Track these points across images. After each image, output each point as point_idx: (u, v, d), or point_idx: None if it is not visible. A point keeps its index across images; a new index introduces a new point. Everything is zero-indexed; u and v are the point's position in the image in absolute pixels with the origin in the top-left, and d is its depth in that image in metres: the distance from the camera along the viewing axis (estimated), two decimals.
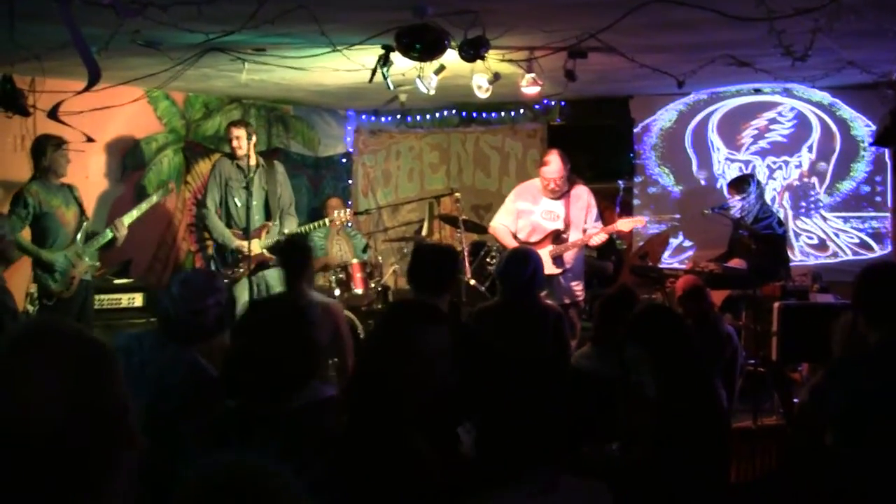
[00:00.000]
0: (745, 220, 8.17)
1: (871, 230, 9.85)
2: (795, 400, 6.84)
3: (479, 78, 7.08)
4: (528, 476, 3.23)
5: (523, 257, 5.61)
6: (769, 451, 6.59)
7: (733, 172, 9.85)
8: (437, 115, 11.34)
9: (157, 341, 3.84)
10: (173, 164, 9.34)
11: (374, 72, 6.39)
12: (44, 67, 6.58)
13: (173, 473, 1.85)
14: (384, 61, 6.25)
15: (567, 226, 7.60)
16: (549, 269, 7.31)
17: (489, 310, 5.72)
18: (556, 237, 7.57)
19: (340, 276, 8.67)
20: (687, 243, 10.34)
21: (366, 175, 11.71)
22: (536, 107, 10.78)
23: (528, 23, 5.86)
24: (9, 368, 1.65)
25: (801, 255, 9.94)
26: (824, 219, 9.99)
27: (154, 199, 7.74)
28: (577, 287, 7.68)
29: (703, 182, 10.34)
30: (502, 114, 11.04)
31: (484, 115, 11.15)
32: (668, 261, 10.02)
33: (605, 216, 8.03)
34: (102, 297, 7.55)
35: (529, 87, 7.21)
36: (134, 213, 7.44)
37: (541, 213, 7.66)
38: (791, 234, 9.78)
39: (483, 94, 7.25)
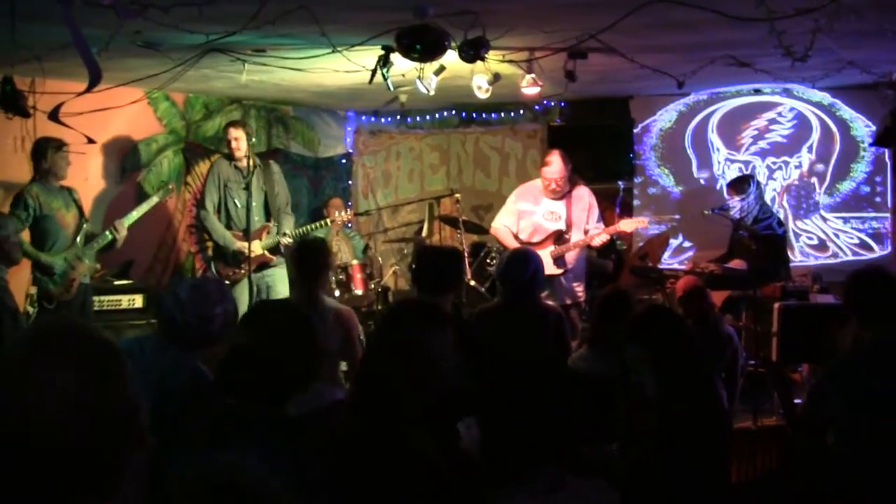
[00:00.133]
0: (745, 220, 8.17)
1: (870, 230, 9.85)
2: (797, 401, 6.85)
3: (479, 78, 7.08)
4: (530, 475, 3.23)
5: (524, 258, 5.61)
6: (769, 452, 6.60)
7: (733, 173, 9.86)
8: (437, 115, 11.34)
9: (158, 345, 3.84)
10: (173, 165, 9.34)
11: (374, 73, 6.39)
12: (44, 68, 6.58)
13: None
14: (384, 62, 6.25)
15: (569, 226, 7.60)
16: (551, 269, 7.32)
17: (490, 311, 5.72)
18: (558, 238, 7.57)
19: (340, 276, 8.68)
20: (687, 244, 10.35)
21: (366, 176, 11.71)
22: (536, 107, 10.78)
23: (528, 23, 5.86)
24: (21, 368, 1.65)
25: (801, 255, 9.95)
26: (824, 219, 10.00)
27: (154, 200, 7.73)
28: (579, 288, 7.68)
29: (702, 182, 10.35)
30: (502, 114, 11.04)
31: (484, 115, 11.15)
32: (667, 261, 10.02)
33: (605, 217, 8.03)
34: (102, 298, 7.54)
35: (529, 88, 7.21)
36: (133, 215, 7.43)
37: (542, 213, 7.66)
38: (791, 234, 9.78)
39: (483, 94, 7.25)
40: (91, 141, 7.16)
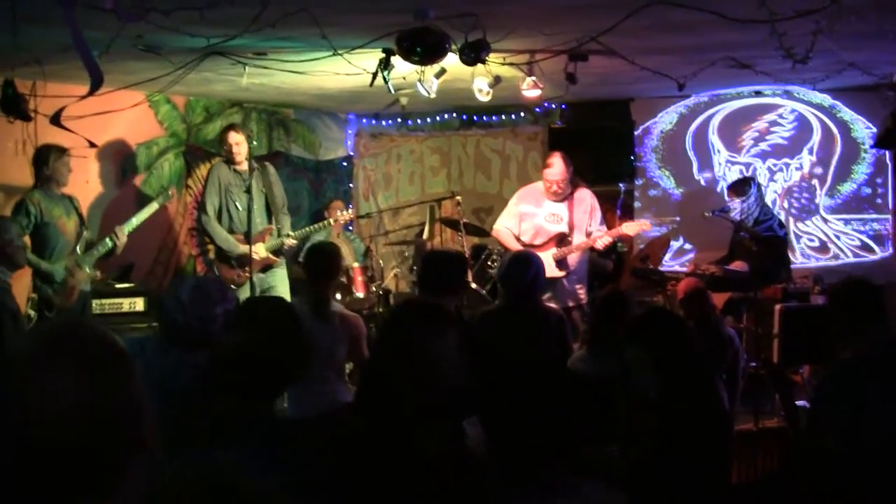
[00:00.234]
0: (746, 222, 8.17)
1: (871, 232, 9.85)
2: (798, 402, 6.85)
3: (479, 81, 7.09)
4: (532, 476, 3.23)
5: (525, 261, 5.62)
6: (770, 453, 6.60)
7: (734, 175, 9.86)
8: (438, 118, 11.34)
9: (159, 346, 3.84)
10: (174, 169, 9.34)
11: (374, 75, 6.39)
12: (45, 71, 6.59)
13: None
14: (385, 65, 6.25)
15: (570, 228, 7.61)
16: (553, 271, 7.33)
17: (491, 313, 5.73)
18: (560, 240, 7.58)
19: (342, 279, 8.68)
20: (688, 246, 10.35)
21: (366, 178, 11.71)
22: (537, 110, 10.79)
23: (528, 26, 5.87)
24: (21, 367, 1.66)
25: (802, 257, 9.94)
26: (825, 221, 10.00)
27: (154, 206, 7.72)
28: (581, 290, 7.69)
29: (703, 184, 10.35)
30: (503, 117, 11.05)
31: (485, 118, 11.16)
32: (668, 263, 10.03)
33: (606, 219, 8.03)
34: (104, 301, 7.54)
35: (530, 90, 7.22)
36: (133, 222, 7.43)
37: (544, 215, 7.67)
38: (792, 236, 9.77)
39: (484, 97, 7.26)
40: (93, 145, 7.16)
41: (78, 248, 7.08)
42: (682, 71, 7.33)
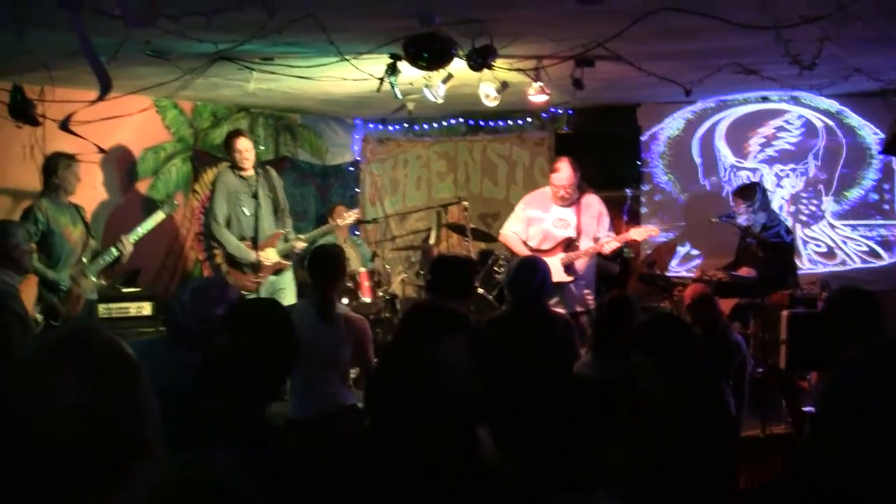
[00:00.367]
0: (753, 228, 8.16)
1: (879, 238, 9.83)
2: (806, 409, 6.84)
3: (486, 87, 7.10)
4: (538, 479, 3.23)
5: (532, 267, 5.62)
6: (777, 460, 6.58)
7: (740, 181, 9.85)
8: (445, 123, 11.36)
9: (166, 348, 3.85)
10: (181, 173, 9.36)
11: (381, 81, 6.41)
12: (53, 77, 6.60)
13: None
14: (392, 70, 6.27)
15: (578, 233, 7.61)
16: (561, 276, 7.33)
17: (498, 318, 5.74)
18: (568, 245, 7.58)
19: (348, 284, 8.68)
20: (694, 252, 10.34)
21: (373, 183, 11.72)
22: (544, 115, 10.79)
23: (535, 32, 5.87)
24: (32, 369, 1.67)
25: (809, 263, 9.92)
26: (832, 227, 9.97)
27: (160, 215, 7.70)
28: (589, 295, 7.68)
29: (710, 190, 10.34)
30: (510, 122, 11.05)
31: (491, 123, 11.16)
32: (675, 269, 10.02)
33: (613, 224, 8.03)
34: (111, 305, 7.53)
35: (537, 96, 7.22)
36: (139, 231, 7.40)
37: (551, 220, 7.67)
38: (799, 242, 9.76)
39: (491, 102, 7.26)
40: (102, 150, 7.18)
41: (84, 257, 7.09)
42: (688, 77, 7.33)
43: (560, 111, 10.62)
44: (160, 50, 6.06)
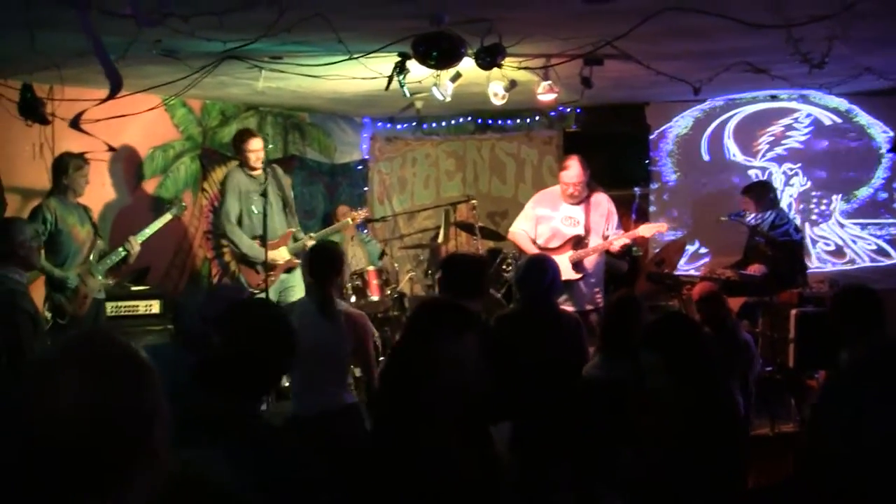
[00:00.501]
0: (762, 227, 8.15)
1: (888, 237, 9.80)
2: None
3: (495, 85, 7.10)
4: (546, 477, 3.23)
5: (541, 265, 5.62)
6: (786, 459, 6.58)
7: (749, 179, 9.84)
8: (453, 122, 11.37)
9: (174, 355, 3.86)
10: (190, 172, 9.38)
11: (390, 79, 6.41)
12: (62, 76, 6.62)
13: None
14: (400, 69, 6.26)
15: (587, 231, 7.61)
16: (570, 274, 7.33)
17: (507, 317, 5.74)
18: (577, 243, 7.58)
19: (357, 283, 8.69)
20: (703, 250, 10.33)
21: (381, 182, 11.74)
22: (552, 114, 10.79)
23: (544, 30, 5.87)
24: (38, 369, 1.68)
25: (818, 261, 9.91)
26: (841, 225, 9.96)
27: (167, 217, 7.72)
28: (598, 293, 7.67)
29: (718, 189, 10.32)
30: (518, 121, 11.06)
31: (500, 122, 11.17)
32: (684, 267, 10.01)
33: (621, 223, 8.03)
34: (120, 304, 7.55)
35: (545, 94, 7.21)
36: (147, 232, 7.44)
37: (560, 218, 7.67)
38: (808, 240, 9.74)
39: (499, 101, 7.27)
40: (112, 149, 7.20)
41: (91, 256, 7.11)
42: (697, 75, 7.32)
43: (568, 110, 10.61)
44: (170, 49, 6.07)
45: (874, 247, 9.85)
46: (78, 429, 1.59)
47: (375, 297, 8.73)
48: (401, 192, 11.67)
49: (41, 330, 5.56)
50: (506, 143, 11.21)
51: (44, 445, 1.59)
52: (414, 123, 11.47)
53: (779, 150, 10.09)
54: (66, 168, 7.02)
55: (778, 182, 9.90)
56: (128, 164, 8.69)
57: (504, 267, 9.11)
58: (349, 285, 8.66)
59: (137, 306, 7.67)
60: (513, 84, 7.02)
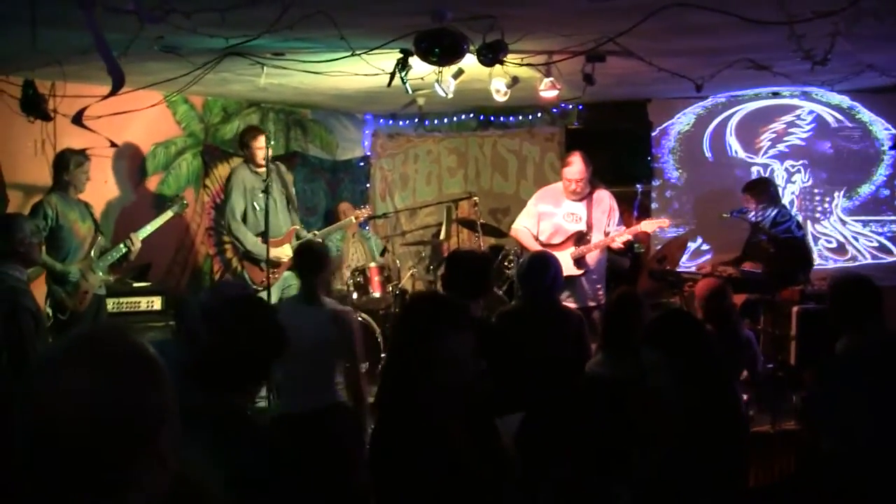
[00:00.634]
0: (763, 224, 8.15)
1: (890, 234, 9.81)
2: None
3: (497, 82, 7.10)
4: (551, 475, 3.24)
5: (544, 262, 5.62)
6: (788, 456, 6.58)
7: (751, 176, 9.83)
8: (455, 118, 11.36)
9: (177, 352, 3.86)
10: (192, 168, 9.38)
11: (392, 76, 6.41)
12: (64, 72, 6.62)
13: None
14: (403, 65, 6.26)
15: (589, 228, 7.60)
16: (572, 270, 7.33)
17: (509, 313, 5.74)
18: (579, 239, 7.57)
19: (358, 279, 8.70)
20: (705, 247, 10.33)
21: (383, 179, 11.73)
22: (554, 110, 10.79)
23: (546, 27, 5.86)
24: (42, 367, 1.68)
25: (819, 259, 9.90)
26: (843, 222, 9.96)
27: (168, 214, 7.74)
28: (601, 290, 7.67)
29: (720, 186, 10.31)
30: (520, 117, 11.05)
31: (502, 118, 11.16)
32: (685, 264, 10.00)
33: (623, 219, 8.03)
34: (122, 300, 7.56)
35: (548, 91, 7.20)
36: (148, 229, 7.46)
37: (563, 215, 7.66)
38: (809, 237, 9.74)
39: (501, 97, 7.26)
40: (115, 145, 7.20)
41: (92, 252, 7.11)
42: (699, 72, 7.31)
43: (570, 106, 10.61)
44: (172, 45, 6.07)
45: (876, 244, 9.85)
46: (86, 428, 1.58)
47: (377, 294, 8.75)
48: (402, 188, 11.67)
49: (42, 327, 5.56)
50: (508, 139, 11.20)
51: (50, 445, 1.58)
52: (416, 120, 11.46)
53: (781, 147, 10.09)
54: (68, 164, 7.03)
55: (780, 179, 9.90)
56: (130, 161, 8.69)
57: (506, 264, 9.12)
58: (351, 281, 8.68)
59: (139, 303, 7.68)
60: (515, 81, 7.01)
